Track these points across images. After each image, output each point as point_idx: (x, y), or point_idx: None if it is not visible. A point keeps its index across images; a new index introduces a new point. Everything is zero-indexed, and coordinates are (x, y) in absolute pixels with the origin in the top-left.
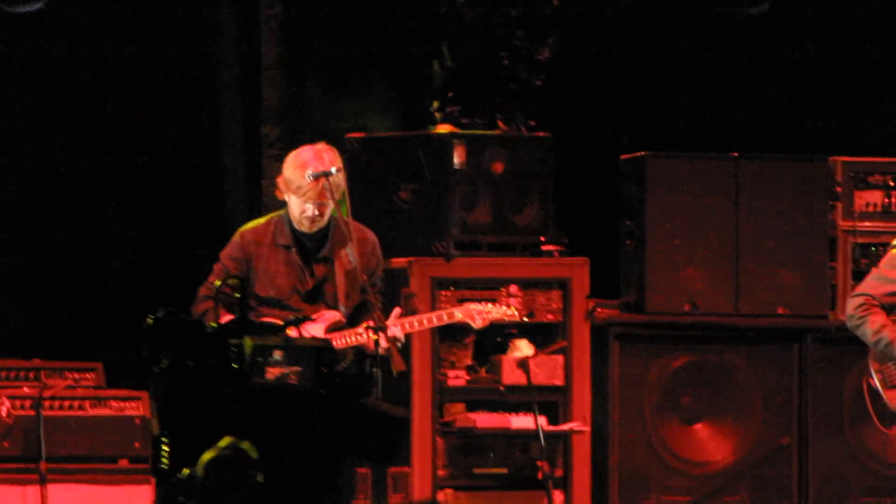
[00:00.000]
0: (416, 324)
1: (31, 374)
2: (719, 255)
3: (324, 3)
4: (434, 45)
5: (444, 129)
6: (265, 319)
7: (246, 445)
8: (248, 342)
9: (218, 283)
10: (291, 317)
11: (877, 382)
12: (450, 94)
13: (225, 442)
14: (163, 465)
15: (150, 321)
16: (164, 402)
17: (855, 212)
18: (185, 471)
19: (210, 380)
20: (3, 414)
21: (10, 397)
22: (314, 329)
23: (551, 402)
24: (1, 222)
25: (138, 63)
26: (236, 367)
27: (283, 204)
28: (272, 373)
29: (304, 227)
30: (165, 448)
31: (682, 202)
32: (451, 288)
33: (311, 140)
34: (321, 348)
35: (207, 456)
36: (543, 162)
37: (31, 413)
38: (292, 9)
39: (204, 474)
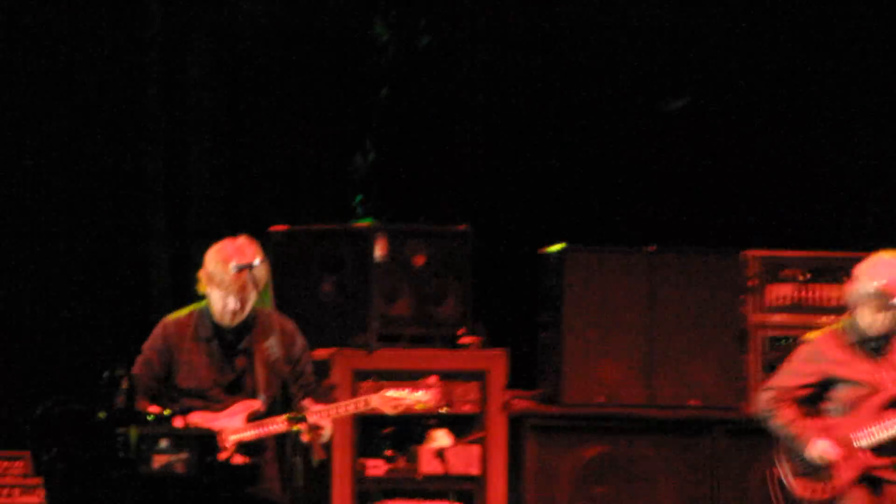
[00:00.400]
0: (332, 411)
1: None
2: (633, 347)
3: (251, 98)
4: (358, 138)
5: (365, 222)
6: (150, 409)
7: None
8: (133, 431)
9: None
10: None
11: (785, 472)
12: (373, 188)
13: None
14: None
15: (37, 412)
16: (56, 492)
17: (766, 305)
18: None
19: (99, 469)
20: None
21: None
22: (234, 420)
23: (467, 490)
24: None
25: (73, 154)
26: (123, 455)
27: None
28: (158, 461)
29: (226, 320)
30: None
31: (599, 294)
32: (372, 378)
33: (234, 234)
34: (206, 436)
35: None
36: (463, 254)
37: None
38: (221, 103)
39: None
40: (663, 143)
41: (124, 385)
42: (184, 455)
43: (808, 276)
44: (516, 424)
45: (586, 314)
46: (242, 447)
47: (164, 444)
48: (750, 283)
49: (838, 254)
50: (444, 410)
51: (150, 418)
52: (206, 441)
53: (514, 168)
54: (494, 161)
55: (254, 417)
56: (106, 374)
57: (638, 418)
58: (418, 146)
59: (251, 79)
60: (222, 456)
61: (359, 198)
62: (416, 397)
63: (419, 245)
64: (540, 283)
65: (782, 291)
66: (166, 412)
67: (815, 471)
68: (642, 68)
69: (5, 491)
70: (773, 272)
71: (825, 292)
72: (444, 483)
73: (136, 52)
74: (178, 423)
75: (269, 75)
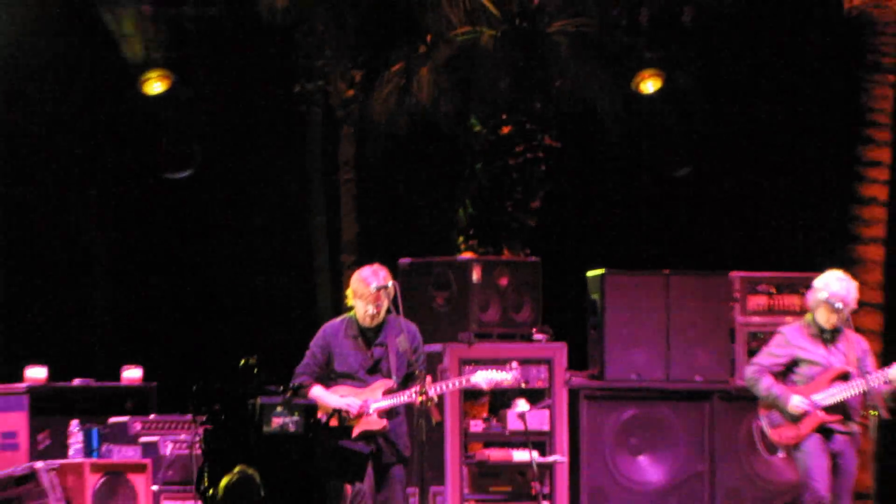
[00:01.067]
0: (445, 387)
1: None
2: (655, 341)
3: (384, 172)
4: (459, 198)
5: (466, 255)
6: (271, 387)
7: (253, 471)
8: (258, 401)
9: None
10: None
11: (764, 424)
12: (470, 232)
13: (238, 469)
14: (204, 486)
15: (195, 387)
16: (208, 445)
17: (748, 310)
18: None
19: (236, 428)
20: None
21: None
22: (375, 393)
23: (540, 442)
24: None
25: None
26: (251, 418)
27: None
28: (275, 423)
29: (367, 322)
30: (206, 473)
31: (629, 304)
32: (472, 364)
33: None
34: (310, 406)
35: (225, 480)
36: (534, 277)
37: None
38: (362, 174)
39: (223, 494)
40: (671, 198)
41: (255, 370)
42: (295, 418)
43: (775, 290)
44: (574, 395)
45: (620, 318)
46: (382, 414)
47: (279, 409)
48: (735, 295)
49: (797, 274)
50: (522, 386)
51: (269, 392)
52: (310, 409)
53: (562, 216)
54: (557, 211)
55: (388, 392)
56: (242, 361)
57: (659, 390)
58: (500, 203)
59: (412, 160)
60: (367, 419)
61: (461, 239)
62: (503, 376)
63: (503, 271)
64: (588, 296)
65: (758, 301)
66: (281, 388)
67: (786, 422)
68: (651, 140)
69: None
70: (752, 287)
71: (789, 301)
72: (524, 436)
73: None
74: (317, 393)
75: (403, 160)
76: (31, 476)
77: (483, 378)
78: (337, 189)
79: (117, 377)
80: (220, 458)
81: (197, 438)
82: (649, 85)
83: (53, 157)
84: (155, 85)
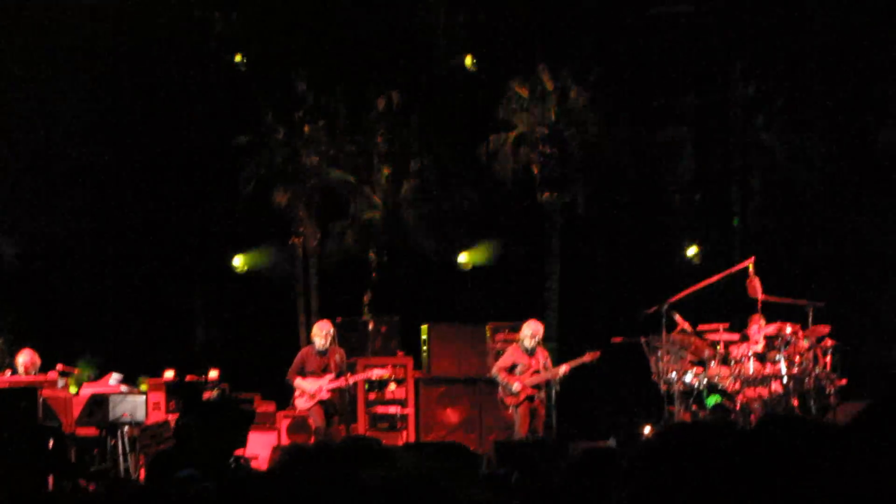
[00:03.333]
0: (357, 378)
1: None
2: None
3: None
4: None
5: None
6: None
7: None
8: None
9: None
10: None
11: (501, 396)
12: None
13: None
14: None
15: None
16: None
17: (495, 340)
18: None
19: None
20: None
21: None
22: (323, 381)
23: (402, 401)
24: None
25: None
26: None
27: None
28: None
29: (319, 348)
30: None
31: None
32: (371, 367)
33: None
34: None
35: None
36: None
37: None
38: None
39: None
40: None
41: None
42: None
43: (509, 331)
44: (416, 382)
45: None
46: (332, 391)
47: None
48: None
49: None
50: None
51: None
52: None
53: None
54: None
55: (332, 381)
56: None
57: (453, 378)
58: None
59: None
60: (322, 396)
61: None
62: (383, 372)
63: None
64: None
65: (500, 336)
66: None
67: (510, 394)
68: None
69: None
70: (496, 330)
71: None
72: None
73: None
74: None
75: None
76: (165, 423)
77: (374, 373)
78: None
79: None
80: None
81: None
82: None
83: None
84: None
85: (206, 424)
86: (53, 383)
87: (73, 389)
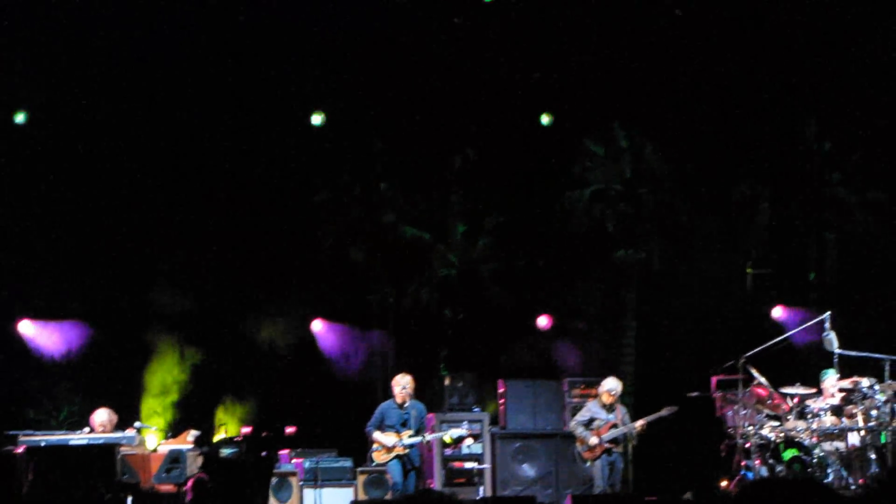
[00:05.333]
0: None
1: None
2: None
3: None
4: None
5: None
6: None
7: None
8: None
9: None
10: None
11: (578, 448)
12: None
13: None
14: None
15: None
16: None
17: (571, 394)
18: None
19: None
20: None
21: None
22: (403, 437)
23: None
24: None
25: None
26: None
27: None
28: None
29: (399, 401)
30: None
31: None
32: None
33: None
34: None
35: None
36: (478, 382)
37: None
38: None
39: None
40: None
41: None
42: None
43: (585, 386)
44: (493, 436)
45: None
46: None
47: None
48: (564, 388)
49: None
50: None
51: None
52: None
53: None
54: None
55: (409, 438)
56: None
57: (529, 433)
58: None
59: None
60: (399, 451)
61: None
62: (462, 432)
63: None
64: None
65: (576, 391)
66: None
67: (588, 449)
68: None
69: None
70: (573, 385)
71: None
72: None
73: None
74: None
75: None
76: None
77: (451, 434)
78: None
79: None
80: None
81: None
82: None
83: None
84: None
85: (220, 480)
86: (131, 440)
87: (150, 446)
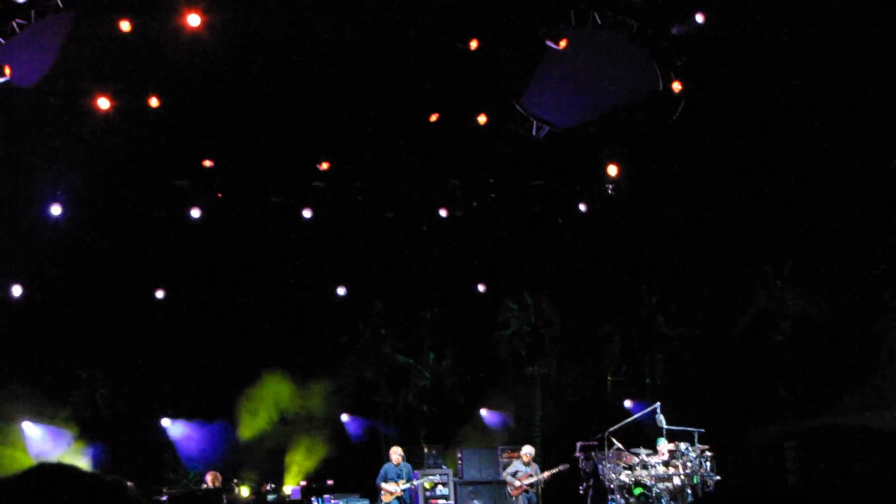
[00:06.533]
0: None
1: None
2: None
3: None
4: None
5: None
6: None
7: None
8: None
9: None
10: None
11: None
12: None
13: None
14: None
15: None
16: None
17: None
18: None
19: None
20: None
21: None
22: (400, 484)
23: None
24: None
25: None
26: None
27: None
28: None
29: (395, 462)
30: None
31: None
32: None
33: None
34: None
35: None
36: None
37: None
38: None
39: None
40: None
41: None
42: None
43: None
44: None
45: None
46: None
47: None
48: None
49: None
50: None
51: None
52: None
53: None
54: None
55: (404, 485)
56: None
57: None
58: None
59: None
60: (398, 493)
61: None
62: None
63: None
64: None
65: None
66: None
67: (515, 488)
68: None
69: None
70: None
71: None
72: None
73: None
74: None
75: None
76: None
77: (429, 480)
78: None
79: None
80: None
81: None
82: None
83: None
84: None
85: None
86: (232, 489)
87: (244, 494)
